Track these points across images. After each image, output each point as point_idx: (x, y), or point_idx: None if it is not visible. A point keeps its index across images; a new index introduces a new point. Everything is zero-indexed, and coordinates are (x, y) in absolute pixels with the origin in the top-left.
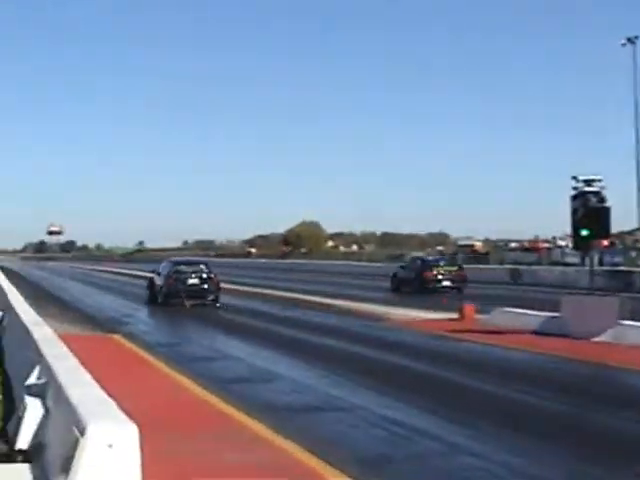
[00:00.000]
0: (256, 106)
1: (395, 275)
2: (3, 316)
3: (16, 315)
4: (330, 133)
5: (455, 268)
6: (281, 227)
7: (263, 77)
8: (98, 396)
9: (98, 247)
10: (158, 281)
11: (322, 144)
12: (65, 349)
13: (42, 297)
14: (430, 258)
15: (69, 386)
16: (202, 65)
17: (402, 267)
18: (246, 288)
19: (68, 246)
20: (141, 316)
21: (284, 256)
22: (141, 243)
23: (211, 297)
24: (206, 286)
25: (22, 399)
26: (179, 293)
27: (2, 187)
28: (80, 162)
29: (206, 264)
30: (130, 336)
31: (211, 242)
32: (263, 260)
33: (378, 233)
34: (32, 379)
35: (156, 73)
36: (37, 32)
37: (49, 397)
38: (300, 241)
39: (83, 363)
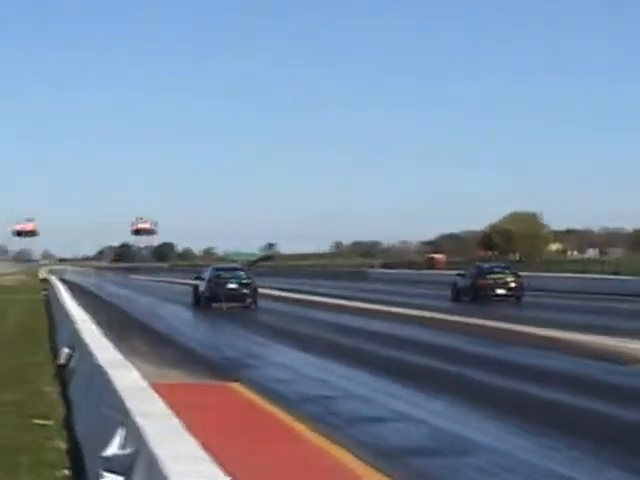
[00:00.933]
0: None
1: (455, 284)
2: (70, 356)
3: (89, 354)
4: None
5: (511, 275)
6: (480, 222)
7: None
8: (212, 476)
9: (207, 253)
10: (201, 286)
11: None
12: (161, 404)
13: (126, 327)
14: (486, 266)
15: (168, 460)
16: None
17: (461, 275)
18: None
19: (163, 251)
20: (273, 356)
21: None
22: (271, 246)
23: (249, 300)
24: (245, 290)
25: (98, 476)
26: (219, 297)
27: (70, 176)
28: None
29: (244, 270)
30: (256, 385)
31: (374, 244)
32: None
33: (629, 230)
34: (112, 448)
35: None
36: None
37: (137, 475)
38: (509, 243)
39: (187, 426)
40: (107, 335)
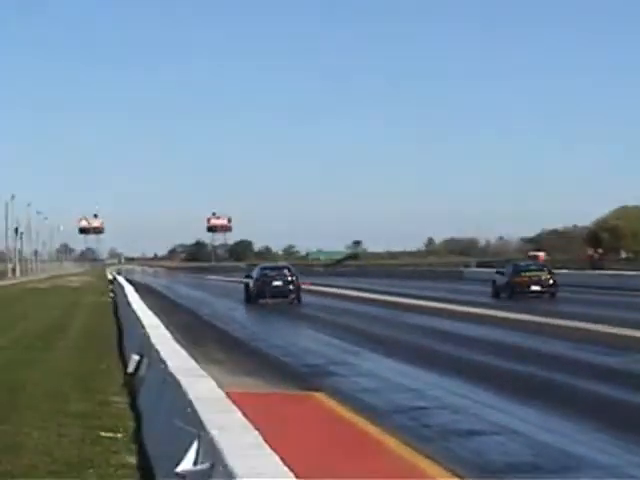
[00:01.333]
0: None
1: (494, 282)
2: (139, 362)
3: (160, 361)
4: None
5: (545, 273)
6: (587, 217)
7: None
8: None
9: (288, 252)
10: (251, 285)
11: None
12: (238, 415)
13: (200, 332)
14: (522, 263)
15: (246, 477)
16: None
17: (500, 272)
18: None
19: (240, 249)
20: (359, 364)
21: (595, 264)
22: (357, 244)
23: (292, 297)
24: (289, 287)
25: None
26: (264, 293)
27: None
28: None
29: (289, 268)
30: (341, 394)
31: (470, 242)
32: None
33: None
34: (186, 463)
35: None
36: None
37: None
38: (617, 239)
39: (267, 439)
40: (179, 341)
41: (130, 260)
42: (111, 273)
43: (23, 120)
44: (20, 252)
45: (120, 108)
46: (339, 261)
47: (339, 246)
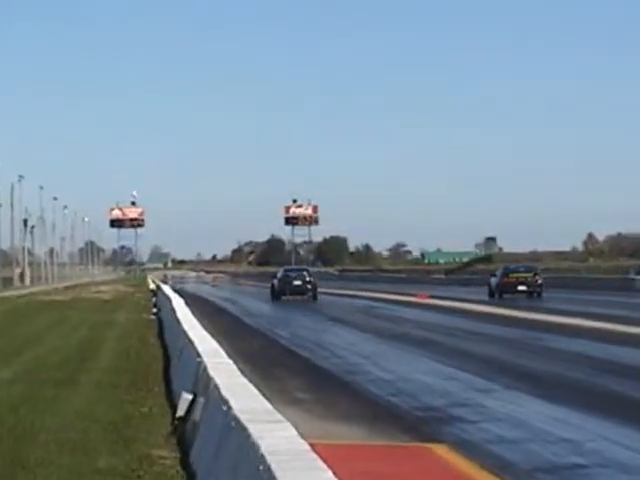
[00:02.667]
0: None
1: (489, 284)
2: (192, 403)
3: (222, 402)
4: None
5: (531, 274)
6: None
7: None
8: None
9: (396, 252)
10: (275, 284)
11: None
12: (328, 476)
13: (276, 362)
14: (512, 266)
15: None
16: None
17: (493, 275)
18: None
19: (329, 249)
20: (496, 406)
21: None
22: (491, 242)
23: (310, 294)
24: (307, 286)
25: None
26: (285, 291)
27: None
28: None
29: (307, 270)
30: (469, 447)
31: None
32: None
33: None
34: None
35: None
36: None
37: None
38: None
39: None
40: (246, 374)
41: (180, 264)
42: (154, 281)
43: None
44: (30, 252)
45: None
46: (467, 264)
47: (465, 245)
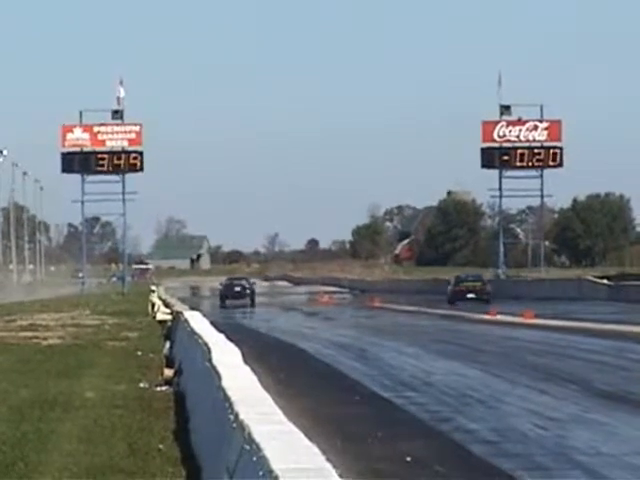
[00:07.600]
0: None
1: (447, 292)
2: None
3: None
4: None
5: (479, 283)
6: None
7: None
8: None
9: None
10: (222, 290)
11: None
12: None
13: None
14: (463, 275)
15: None
16: None
17: (448, 283)
18: None
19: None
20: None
21: None
22: None
23: (248, 299)
24: (247, 291)
25: None
26: (227, 296)
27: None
28: None
29: (247, 279)
30: None
31: None
32: None
33: None
34: None
35: None
36: None
37: None
38: None
39: None
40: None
41: (232, 263)
42: (166, 301)
43: None
44: None
45: None
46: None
47: None
